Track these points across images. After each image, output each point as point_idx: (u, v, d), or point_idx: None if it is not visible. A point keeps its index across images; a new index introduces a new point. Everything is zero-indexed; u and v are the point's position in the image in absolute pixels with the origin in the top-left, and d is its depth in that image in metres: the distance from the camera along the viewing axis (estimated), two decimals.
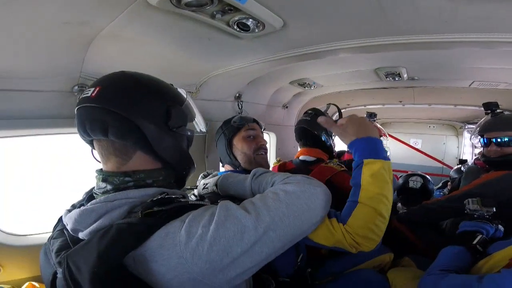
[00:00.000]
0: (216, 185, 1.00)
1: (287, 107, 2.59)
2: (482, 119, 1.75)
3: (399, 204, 2.36)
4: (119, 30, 0.89)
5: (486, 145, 1.49)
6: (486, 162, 1.52)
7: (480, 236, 1.05)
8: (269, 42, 1.10)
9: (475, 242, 1.03)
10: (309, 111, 1.80)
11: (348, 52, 1.15)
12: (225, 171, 1.33)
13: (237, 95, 1.96)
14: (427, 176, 2.55)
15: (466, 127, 3.85)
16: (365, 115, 2.61)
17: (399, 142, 4.56)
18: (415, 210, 1.65)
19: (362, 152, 0.83)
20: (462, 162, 3.19)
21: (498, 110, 1.65)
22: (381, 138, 2.17)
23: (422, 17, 0.80)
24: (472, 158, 3.64)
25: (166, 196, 0.66)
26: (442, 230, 1.67)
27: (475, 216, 1.14)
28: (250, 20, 0.87)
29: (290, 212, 0.66)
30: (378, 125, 2.42)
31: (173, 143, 0.72)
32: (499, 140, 1.43)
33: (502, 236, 1.10)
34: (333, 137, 1.85)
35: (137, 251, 0.55)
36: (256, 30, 0.94)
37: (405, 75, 1.86)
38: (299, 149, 1.80)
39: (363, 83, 2.23)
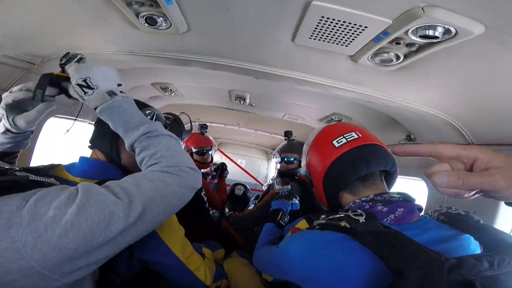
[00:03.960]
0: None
1: None
2: (281, 144, 2.43)
3: (226, 209, 2.74)
4: None
5: (280, 162, 2.13)
6: (279, 173, 2.12)
7: (281, 213, 1.43)
8: (162, 40, 1.13)
9: (278, 218, 1.41)
10: (169, 115, 1.79)
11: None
12: (86, 158, 0.96)
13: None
14: (247, 186, 3.26)
15: (273, 153, 5.30)
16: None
17: (232, 162, 5.41)
18: (237, 219, 2.03)
19: None
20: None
21: (291, 137, 2.38)
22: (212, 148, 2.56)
23: (275, 54, 1.18)
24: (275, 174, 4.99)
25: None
26: (255, 232, 2.12)
27: (280, 194, 1.62)
28: (161, 18, 0.88)
29: (162, 204, 0.65)
30: (211, 137, 2.75)
31: None
32: (285, 159, 2.07)
33: (299, 209, 1.62)
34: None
35: None
36: (161, 28, 0.95)
37: (248, 100, 2.38)
38: None
39: (216, 100, 2.57)
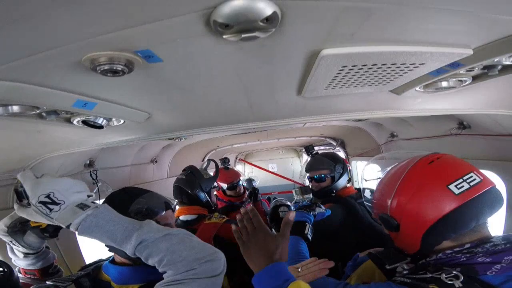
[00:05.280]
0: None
1: (156, 161, 2.37)
2: (306, 161, 2.24)
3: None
4: None
5: (310, 181, 1.91)
6: (312, 193, 1.94)
7: (308, 225, 1.28)
8: (131, 129, 0.98)
9: (306, 231, 1.26)
10: (187, 169, 1.77)
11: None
12: (116, 267, 0.91)
13: (88, 162, 1.58)
14: (289, 204, 3.07)
15: (304, 150, 5.05)
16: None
17: (262, 170, 5.28)
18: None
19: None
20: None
21: (314, 152, 2.20)
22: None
23: (280, 110, 0.98)
24: None
25: None
26: None
27: (300, 204, 1.43)
28: (101, 119, 0.73)
29: None
30: (235, 170, 2.75)
31: None
32: (315, 177, 1.83)
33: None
34: (211, 191, 1.88)
35: None
36: (113, 124, 0.80)
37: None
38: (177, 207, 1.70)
39: (228, 132, 2.43)
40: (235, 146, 3.62)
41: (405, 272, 0.81)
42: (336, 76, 0.67)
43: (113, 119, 0.83)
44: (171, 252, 0.68)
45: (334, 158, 1.85)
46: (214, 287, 0.70)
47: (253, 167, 5.32)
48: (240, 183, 2.53)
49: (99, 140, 1.10)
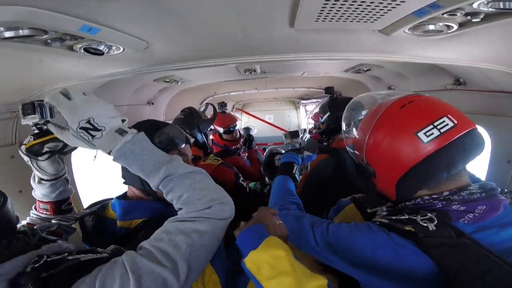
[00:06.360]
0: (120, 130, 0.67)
1: (152, 103, 2.38)
2: (323, 100, 2.19)
3: (266, 178, 2.80)
4: None
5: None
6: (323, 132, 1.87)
7: (296, 166, 1.32)
8: (128, 60, 0.97)
9: (294, 171, 1.30)
10: (185, 109, 1.77)
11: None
12: (121, 202, 0.95)
13: None
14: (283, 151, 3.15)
15: (301, 102, 5.02)
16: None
17: (258, 120, 5.32)
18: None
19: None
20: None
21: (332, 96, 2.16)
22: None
23: (274, 43, 0.96)
24: (307, 126, 4.82)
25: (49, 260, 0.56)
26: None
27: (289, 148, 1.53)
28: (103, 45, 0.72)
29: (204, 252, 0.65)
30: (232, 114, 2.72)
31: None
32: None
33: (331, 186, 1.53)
34: (207, 133, 1.93)
35: None
36: (112, 52, 0.80)
37: (259, 71, 2.16)
38: None
39: (226, 76, 2.39)
40: (233, 94, 3.58)
41: (383, 213, 0.80)
42: (324, 6, 0.67)
43: (113, 47, 0.83)
44: (192, 189, 0.69)
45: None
46: (221, 231, 0.70)
47: (250, 117, 5.35)
48: (237, 128, 2.56)
49: (98, 71, 1.10)
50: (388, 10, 0.66)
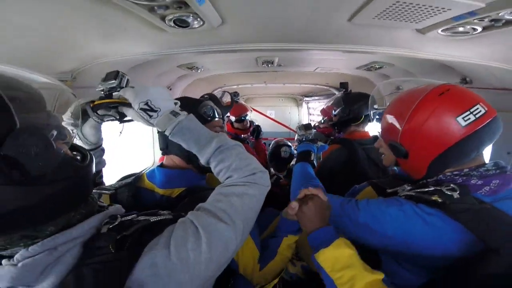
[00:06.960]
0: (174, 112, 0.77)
1: (170, 88, 2.45)
2: (337, 94, 2.22)
3: (271, 169, 2.86)
4: None
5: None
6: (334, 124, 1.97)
7: (313, 154, 1.49)
8: (194, 37, 1.06)
9: (312, 158, 1.45)
10: (205, 95, 1.83)
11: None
12: (164, 169, 1.03)
13: None
14: (290, 144, 3.21)
15: (304, 99, 5.12)
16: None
17: (260, 114, 5.40)
18: None
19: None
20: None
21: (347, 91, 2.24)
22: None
23: (328, 33, 1.06)
24: (308, 121, 4.94)
25: (122, 220, 0.60)
26: None
27: (303, 139, 1.64)
28: (192, 17, 0.80)
29: (252, 215, 0.72)
30: (243, 103, 2.78)
31: None
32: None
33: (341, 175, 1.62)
34: (224, 120, 2.01)
35: None
36: (195, 27, 0.87)
37: (276, 63, 2.24)
38: None
39: (242, 67, 2.47)
40: (241, 86, 3.66)
41: (408, 188, 0.86)
42: (389, 7, 0.77)
43: (196, 20, 0.88)
44: (239, 158, 0.76)
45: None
46: (263, 197, 0.76)
47: (252, 111, 5.41)
48: (248, 118, 2.66)
49: (162, 47, 1.17)
50: (434, 14, 0.77)
